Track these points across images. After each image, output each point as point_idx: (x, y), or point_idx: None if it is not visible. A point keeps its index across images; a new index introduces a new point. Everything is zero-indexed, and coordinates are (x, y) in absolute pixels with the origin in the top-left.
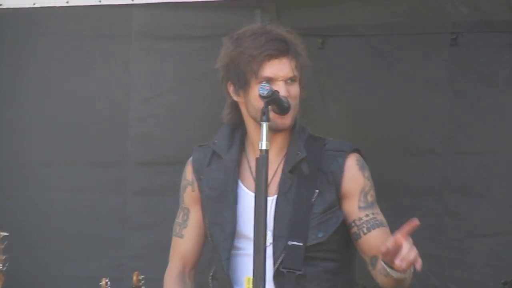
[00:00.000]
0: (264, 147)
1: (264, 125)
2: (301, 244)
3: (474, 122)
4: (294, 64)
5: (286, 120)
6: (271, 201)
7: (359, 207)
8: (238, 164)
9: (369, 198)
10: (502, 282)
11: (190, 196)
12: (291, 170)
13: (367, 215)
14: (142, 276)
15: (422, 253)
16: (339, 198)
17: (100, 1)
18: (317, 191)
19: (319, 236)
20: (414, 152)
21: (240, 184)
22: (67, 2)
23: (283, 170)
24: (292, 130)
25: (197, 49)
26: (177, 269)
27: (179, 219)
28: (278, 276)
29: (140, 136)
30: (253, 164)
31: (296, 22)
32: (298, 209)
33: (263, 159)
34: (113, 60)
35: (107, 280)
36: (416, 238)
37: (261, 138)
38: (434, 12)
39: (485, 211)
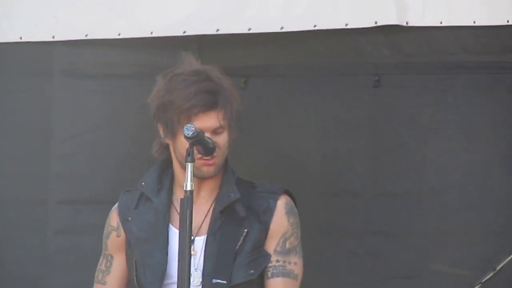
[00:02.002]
0: (189, 188)
1: (189, 165)
2: (225, 282)
3: (396, 164)
4: (222, 115)
5: (211, 169)
6: (202, 240)
7: (275, 251)
8: (168, 207)
9: (287, 245)
10: None
11: (114, 242)
12: (222, 210)
13: (277, 261)
14: None
15: None
16: (266, 238)
17: (20, 38)
18: (245, 230)
19: (251, 272)
20: (337, 193)
21: (171, 226)
22: None
23: (214, 210)
24: (225, 171)
25: (120, 87)
26: None
27: (102, 266)
28: None
29: (62, 174)
30: None
31: (219, 62)
32: (224, 248)
33: (187, 200)
34: (35, 98)
35: None
36: (339, 280)
37: (186, 179)
38: (357, 53)
39: (407, 253)
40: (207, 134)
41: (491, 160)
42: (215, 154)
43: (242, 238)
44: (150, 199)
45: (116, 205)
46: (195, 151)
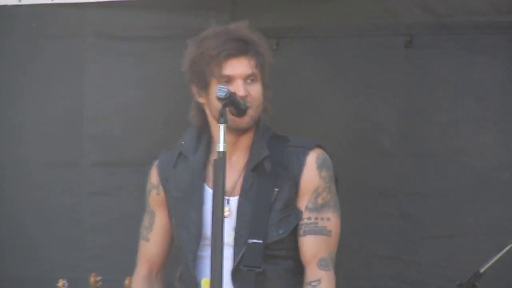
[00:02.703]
0: (221, 149)
1: (222, 127)
2: (260, 241)
3: (429, 125)
4: (253, 63)
5: (245, 121)
6: (235, 201)
7: (306, 207)
8: (204, 166)
9: (319, 200)
10: (457, 284)
11: (155, 199)
12: (253, 169)
13: (309, 218)
14: (99, 278)
15: (377, 254)
16: (297, 195)
17: (52, 0)
18: (276, 189)
19: (280, 232)
20: (369, 154)
21: (205, 186)
22: (19, 1)
23: (246, 169)
24: (256, 130)
25: (153, 49)
26: (144, 272)
27: (145, 222)
28: (237, 274)
29: (96, 136)
30: None
31: (251, 24)
32: (258, 208)
33: (220, 161)
34: (67, 61)
35: (64, 281)
36: (371, 239)
37: (218, 140)
38: (389, 14)
39: (439, 213)
40: (238, 83)
41: None
42: (248, 111)
43: (273, 196)
44: (188, 158)
45: (157, 162)
46: (228, 112)
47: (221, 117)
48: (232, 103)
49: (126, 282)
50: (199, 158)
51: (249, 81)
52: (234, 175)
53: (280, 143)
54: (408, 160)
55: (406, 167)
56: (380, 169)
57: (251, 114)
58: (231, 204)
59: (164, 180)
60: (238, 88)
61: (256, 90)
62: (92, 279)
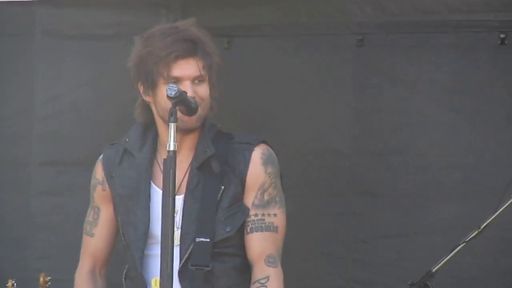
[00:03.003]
0: (172, 148)
1: (172, 125)
2: (208, 240)
3: (380, 123)
4: (201, 64)
5: (194, 120)
6: (181, 199)
7: (253, 204)
8: (150, 163)
9: (265, 196)
10: (408, 284)
11: (100, 195)
12: (199, 167)
13: (256, 215)
14: (49, 278)
15: (327, 254)
16: (243, 192)
17: None
18: (222, 187)
19: (227, 230)
20: (321, 153)
21: (153, 184)
22: None
23: (191, 167)
24: (201, 128)
25: (103, 48)
26: (88, 267)
27: (89, 217)
28: (184, 273)
29: (45, 135)
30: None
31: (202, 22)
32: (205, 206)
33: (170, 160)
34: (17, 59)
35: (13, 281)
36: (323, 238)
37: (169, 139)
38: (340, 13)
39: (390, 213)
40: (186, 84)
41: (475, 119)
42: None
43: (219, 194)
44: (133, 155)
45: (101, 157)
46: (178, 111)
47: (171, 116)
48: (183, 102)
49: (41, 279)
50: (145, 155)
51: (196, 81)
52: (179, 173)
53: (225, 140)
54: (359, 159)
55: (357, 166)
56: (332, 168)
57: (199, 113)
58: (177, 203)
59: (109, 176)
60: (187, 89)
61: (203, 90)
62: (41, 279)
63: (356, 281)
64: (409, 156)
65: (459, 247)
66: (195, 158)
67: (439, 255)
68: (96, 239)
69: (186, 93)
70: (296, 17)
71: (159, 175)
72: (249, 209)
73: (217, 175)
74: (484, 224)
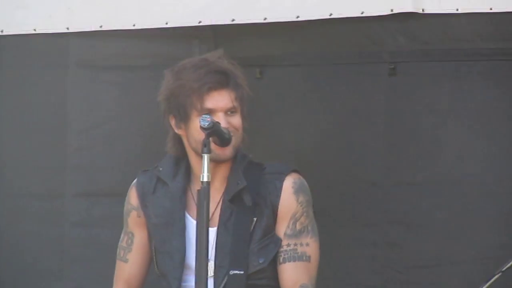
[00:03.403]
0: (205, 179)
1: (206, 156)
2: (242, 272)
3: (414, 153)
4: (234, 95)
5: (227, 151)
6: (213, 231)
7: (285, 234)
8: (184, 192)
9: (298, 226)
10: None
11: (135, 221)
12: (231, 199)
13: (288, 245)
14: None
15: (362, 285)
16: (275, 222)
17: (35, 30)
18: (255, 219)
19: (260, 262)
20: (354, 183)
21: (187, 214)
22: (1, 31)
23: (223, 200)
24: (233, 159)
25: (136, 79)
26: None
27: (123, 243)
28: None
29: (79, 167)
30: (196, 195)
31: (234, 52)
32: (238, 238)
33: (204, 191)
34: (50, 91)
35: None
36: (358, 270)
37: (202, 170)
38: (372, 41)
39: (425, 242)
40: (219, 115)
41: (509, 148)
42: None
43: (252, 226)
44: (166, 184)
45: (135, 182)
46: (211, 142)
47: (205, 147)
48: (216, 133)
49: None
50: (179, 184)
51: (229, 113)
52: (211, 205)
53: (256, 171)
54: (393, 188)
55: (391, 195)
56: (365, 198)
57: (233, 144)
58: (210, 234)
59: (143, 205)
60: (220, 120)
61: (236, 121)
62: None
63: None
64: (443, 185)
65: (495, 277)
66: (227, 190)
67: (475, 285)
68: (129, 264)
69: (220, 124)
70: (328, 46)
71: (192, 206)
72: (281, 240)
73: (249, 207)
74: None
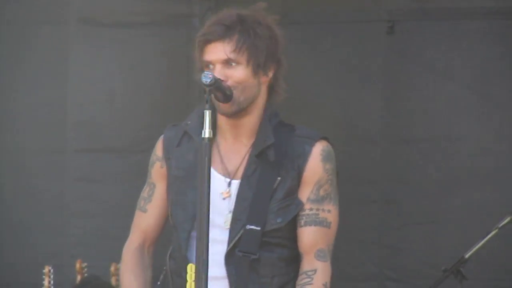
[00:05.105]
0: (206, 135)
1: (207, 113)
2: (258, 228)
3: (411, 111)
4: (230, 47)
5: (228, 107)
6: (236, 184)
7: (308, 198)
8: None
9: (321, 192)
10: (442, 270)
11: (158, 172)
12: (257, 155)
13: (311, 209)
14: (85, 264)
15: (359, 240)
16: (299, 185)
17: None
18: (279, 178)
19: (278, 221)
20: (352, 140)
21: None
22: None
23: (250, 155)
24: (264, 114)
25: (137, 36)
26: (137, 243)
27: (144, 193)
28: (230, 257)
29: (80, 123)
30: (222, 148)
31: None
32: (259, 194)
33: (205, 147)
34: (52, 46)
35: (50, 267)
36: (355, 225)
37: (204, 126)
38: (370, 0)
39: (422, 199)
40: (216, 68)
41: (507, 106)
42: (234, 97)
43: (275, 185)
44: (192, 138)
45: (163, 136)
46: (213, 97)
47: (206, 103)
48: (218, 89)
49: (112, 268)
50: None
51: (231, 65)
52: (237, 158)
53: (287, 132)
54: (391, 146)
55: (389, 153)
56: (364, 156)
57: (236, 97)
58: (232, 187)
59: (167, 158)
60: (216, 73)
61: (237, 73)
62: (78, 265)
63: (388, 267)
64: (440, 142)
65: (492, 233)
66: (254, 145)
67: (471, 241)
68: (148, 215)
69: (221, 80)
70: (328, 5)
71: (216, 159)
72: (302, 203)
73: (275, 166)
74: None
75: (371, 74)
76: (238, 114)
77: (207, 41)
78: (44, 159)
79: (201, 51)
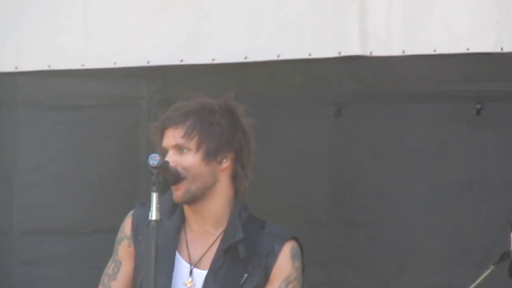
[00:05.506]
0: (153, 218)
1: (154, 195)
2: None
3: (358, 193)
4: (181, 133)
5: (178, 193)
6: (203, 275)
7: None
8: (178, 232)
9: None
10: None
11: (125, 250)
12: (226, 249)
13: None
14: None
15: None
16: (266, 283)
17: None
18: (246, 275)
19: None
20: (299, 222)
21: (177, 253)
22: None
23: (218, 248)
24: (234, 209)
25: (84, 118)
26: None
27: (109, 270)
28: None
29: (26, 205)
30: (188, 234)
31: (182, 92)
32: None
33: (151, 229)
34: None
35: None
36: None
37: (151, 209)
38: (318, 83)
39: (369, 281)
40: (170, 153)
41: (453, 189)
42: (181, 182)
43: (242, 281)
44: (161, 222)
45: (131, 213)
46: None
47: (153, 186)
48: (166, 171)
49: None
50: (174, 223)
51: (184, 151)
52: (201, 246)
53: (257, 227)
54: (338, 228)
55: (336, 235)
56: (311, 238)
57: (188, 187)
58: (195, 276)
59: (136, 238)
60: (168, 158)
61: (185, 160)
62: None
63: None
64: (387, 226)
65: None
66: (223, 240)
67: None
68: None
69: (168, 162)
70: (274, 87)
71: (183, 246)
72: None
73: (242, 262)
74: None
75: (317, 156)
76: (192, 202)
77: (164, 127)
78: None
79: (161, 137)
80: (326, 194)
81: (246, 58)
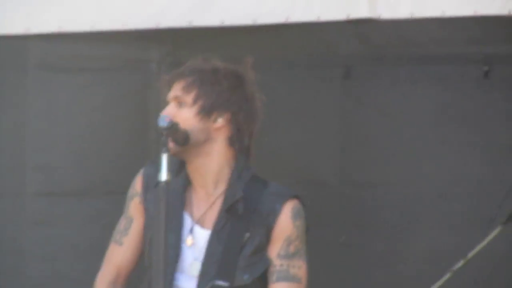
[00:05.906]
0: (163, 178)
1: (164, 156)
2: (226, 284)
3: (367, 155)
4: (181, 85)
5: (171, 144)
6: (205, 235)
7: (278, 255)
8: (185, 189)
9: (291, 248)
10: None
11: (136, 207)
12: (227, 209)
13: (281, 265)
14: None
15: (315, 284)
16: (268, 242)
17: None
18: (248, 234)
19: (245, 278)
20: (307, 183)
21: (184, 211)
22: None
23: (220, 208)
24: (235, 168)
25: (95, 80)
26: (111, 276)
27: (121, 226)
28: None
29: (38, 166)
30: (193, 195)
31: (190, 55)
32: (228, 250)
33: (162, 190)
34: (10, 92)
35: None
36: (310, 268)
37: (161, 169)
38: (326, 45)
39: (377, 243)
40: (171, 105)
41: (462, 150)
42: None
43: (244, 240)
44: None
45: (142, 171)
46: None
47: (163, 146)
48: (175, 132)
49: None
50: (181, 180)
51: (182, 105)
52: (203, 204)
53: (259, 188)
54: (347, 190)
55: (345, 197)
56: (319, 199)
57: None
58: (196, 234)
59: (145, 196)
60: (167, 110)
61: (181, 114)
62: None
63: None
64: (396, 187)
65: (446, 276)
66: (224, 200)
67: (426, 285)
68: (124, 248)
69: (178, 124)
70: (282, 50)
71: (191, 204)
72: (271, 260)
73: (244, 221)
74: (471, 254)
75: (326, 119)
76: (185, 156)
77: (170, 81)
78: (2, 203)
79: (168, 91)
80: (335, 156)
81: (255, 21)
